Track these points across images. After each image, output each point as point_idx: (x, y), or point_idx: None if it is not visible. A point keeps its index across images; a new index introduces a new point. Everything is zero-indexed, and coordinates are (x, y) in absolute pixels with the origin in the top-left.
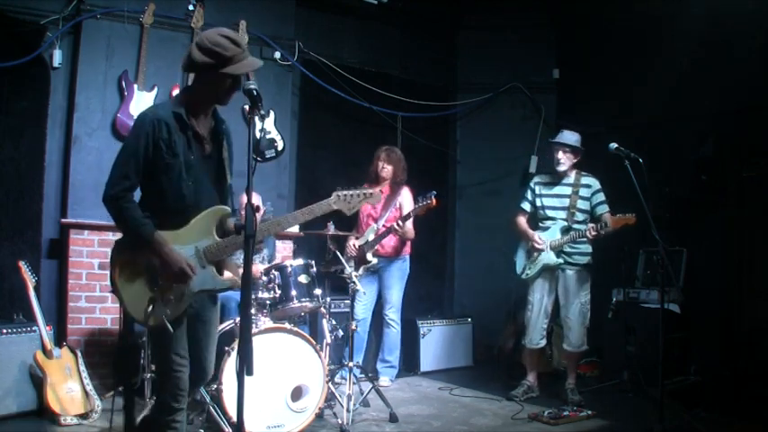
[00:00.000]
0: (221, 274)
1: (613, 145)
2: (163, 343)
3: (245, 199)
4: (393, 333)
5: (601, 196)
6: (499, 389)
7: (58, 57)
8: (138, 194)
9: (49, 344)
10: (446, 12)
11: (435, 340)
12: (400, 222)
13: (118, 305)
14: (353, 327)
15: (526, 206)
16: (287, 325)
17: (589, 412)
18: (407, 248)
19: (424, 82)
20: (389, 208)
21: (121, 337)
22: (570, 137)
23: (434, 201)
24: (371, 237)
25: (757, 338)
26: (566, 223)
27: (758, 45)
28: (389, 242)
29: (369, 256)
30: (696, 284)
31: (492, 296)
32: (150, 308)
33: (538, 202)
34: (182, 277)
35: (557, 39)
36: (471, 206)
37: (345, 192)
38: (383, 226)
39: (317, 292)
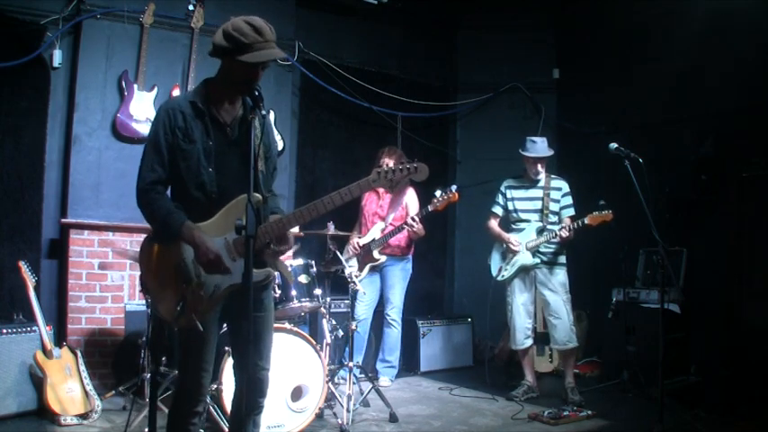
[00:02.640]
0: (256, 266)
1: (613, 145)
2: (190, 347)
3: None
4: (394, 333)
5: (569, 199)
6: (499, 389)
7: (57, 57)
8: None
9: (49, 344)
10: (446, 12)
11: (435, 340)
12: (415, 218)
13: (118, 305)
14: (353, 327)
15: (498, 210)
16: (287, 325)
17: (589, 412)
18: (411, 249)
19: (424, 82)
20: (396, 207)
21: (155, 329)
22: (545, 149)
23: (456, 194)
24: (378, 235)
25: (757, 338)
26: (541, 224)
27: (758, 45)
28: (395, 241)
29: (376, 254)
30: (696, 284)
31: (492, 296)
32: (180, 307)
33: (510, 206)
34: (216, 264)
35: (557, 39)
36: (471, 206)
37: (387, 168)
38: (390, 224)
39: (317, 292)
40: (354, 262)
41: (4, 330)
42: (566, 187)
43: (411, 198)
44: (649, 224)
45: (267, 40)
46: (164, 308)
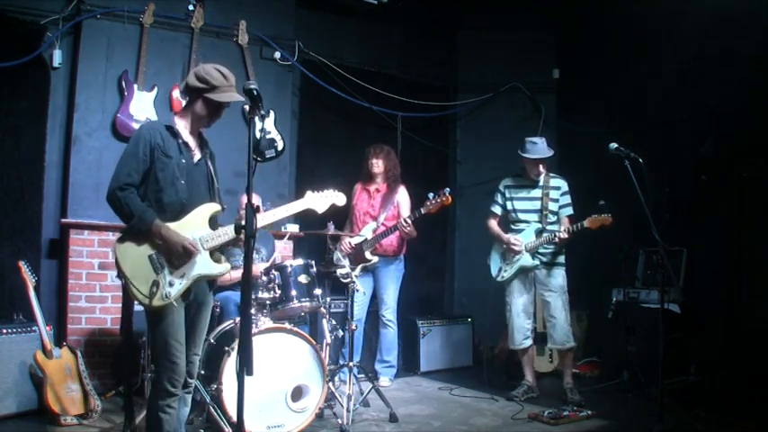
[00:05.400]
0: (216, 262)
1: (613, 145)
2: (163, 328)
3: (245, 199)
4: (390, 333)
5: (567, 198)
6: (499, 389)
7: (57, 57)
8: None
9: (49, 344)
10: (446, 12)
11: (435, 340)
12: (408, 220)
13: (117, 305)
14: (353, 326)
15: (497, 209)
16: (287, 325)
17: (589, 412)
18: (404, 249)
19: (424, 82)
20: (388, 206)
21: (123, 335)
22: (545, 150)
23: (449, 197)
24: (370, 235)
25: (757, 338)
26: (540, 225)
27: (758, 44)
28: (388, 241)
29: (368, 255)
30: (696, 284)
31: (492, 296)
32: (154, 289)
33: (509, 206)
34: (186, 254)
35: (557, 39)
36: (471, 206)
37: (316, 193)
38: (383, 224)
39: (317, 292)
40: (347, 262)
41: (4, 330)
42: (564, 186)
43: (403, 197)
44: (649, 224)
45: (231, 84)
46: (139, 292)
